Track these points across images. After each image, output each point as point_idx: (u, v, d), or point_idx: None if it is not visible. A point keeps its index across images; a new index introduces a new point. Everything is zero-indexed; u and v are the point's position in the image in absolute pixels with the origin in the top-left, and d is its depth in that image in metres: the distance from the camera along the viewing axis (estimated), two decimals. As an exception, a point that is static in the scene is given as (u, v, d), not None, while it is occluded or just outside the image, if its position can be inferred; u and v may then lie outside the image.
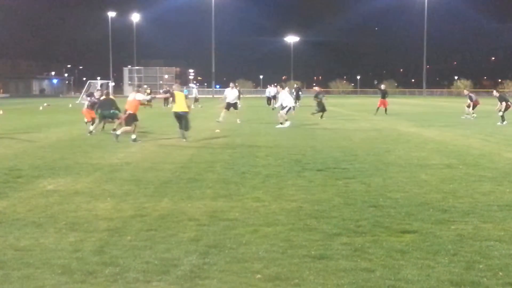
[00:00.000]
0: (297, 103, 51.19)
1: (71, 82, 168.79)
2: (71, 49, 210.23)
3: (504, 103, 27.91)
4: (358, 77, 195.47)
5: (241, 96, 41.47)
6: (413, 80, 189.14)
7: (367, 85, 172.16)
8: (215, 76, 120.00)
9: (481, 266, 5.73)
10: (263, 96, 68.04)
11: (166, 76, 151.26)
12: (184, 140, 18.85)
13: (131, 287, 5.23)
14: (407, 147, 17.02)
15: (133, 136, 18.58)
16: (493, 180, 10.92)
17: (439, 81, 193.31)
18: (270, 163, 13.50)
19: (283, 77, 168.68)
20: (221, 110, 29.87)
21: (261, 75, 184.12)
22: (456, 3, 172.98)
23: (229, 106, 29.76)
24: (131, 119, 19.38)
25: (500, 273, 5.52)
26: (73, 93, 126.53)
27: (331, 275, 5.49)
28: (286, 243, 6.60)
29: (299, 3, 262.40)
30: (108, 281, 5.34)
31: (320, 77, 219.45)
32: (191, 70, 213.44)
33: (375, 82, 37.49)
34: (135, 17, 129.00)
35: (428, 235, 6.91)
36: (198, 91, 59.84)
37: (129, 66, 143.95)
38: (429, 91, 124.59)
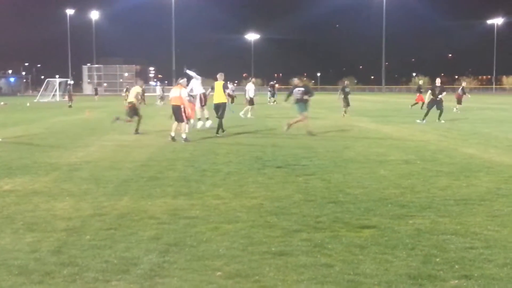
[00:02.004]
0: (273, 100, 51.29)
1: (29, 81, 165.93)
2: (29, 47, 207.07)
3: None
4: (318, 74, 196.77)
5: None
6: (372, 77, 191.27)
7: (327, 82, 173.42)
8: (176, 74, 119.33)
9: (437, 260, 5.83)
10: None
11: (126, 74, 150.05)
12: (217, 134, 19.85)
13: (89, 287, 5.18)
14: (366, 143, 17.20)
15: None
16: (450, 175, 11.11)
17: (398, 78, 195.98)
18: (230, 160, 13.50)
19: (244, 75, 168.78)
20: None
21: (222, 72, 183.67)
22: (414, 2, 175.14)
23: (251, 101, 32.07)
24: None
25: (456, 266, 5.62)
26: (31, 91, 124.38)
27: (291, 271, 5.52)
28: (247, 240, 6.61)
29: (260, 1, 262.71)
30: (66, 282, 5.27)
31: (280, 74, 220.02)
32: (151, 68, 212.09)
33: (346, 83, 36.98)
34: (94, 15, 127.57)
35: (387, 230, 7.00)
36: (165, 89, 59.41)
37: (88, 64, 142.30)
38: (388, 88, 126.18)
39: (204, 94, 23.49)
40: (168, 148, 16.10)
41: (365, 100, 63.87)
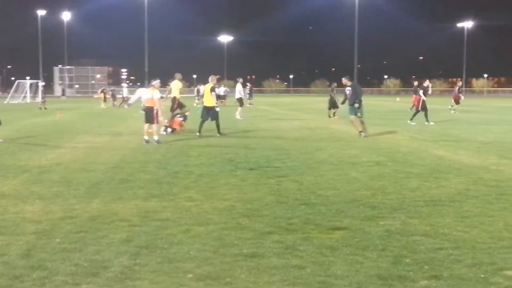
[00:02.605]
0: (249, 102, 51.23)
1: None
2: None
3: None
4: (291, 76, 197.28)
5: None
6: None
7: (300, 84, 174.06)
8: (148, 75, 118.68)
9: (407, 260, 5.88)
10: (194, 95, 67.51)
11: (98, 76, 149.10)
12: (218, 135, 20.25)
13: (59, 291, 5.13)
14: (338, 145, 17.29)
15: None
16: (420, 176, 11.22)
17: (370, 80, 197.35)
18: (202, 162, 13.47)
19: (217, 76, 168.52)
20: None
21: (195, 74, 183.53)
22: (386, 4, 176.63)
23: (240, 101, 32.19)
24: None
25: (426, 267, 5.68)
26: (0, 93, 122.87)
27: (262, 273, 5.53)
28: (218, 242, 6.60)
29: (233, 3, 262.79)
30: (35, 285, 5.21)
31: (253, 76, 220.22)
32: (123, 70, 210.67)
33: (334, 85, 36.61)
34: (66, 16, 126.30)
35: (358, 231, 7.05)
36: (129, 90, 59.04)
37: (60, 66, 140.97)
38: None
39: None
40: (140, 150, 16.01)
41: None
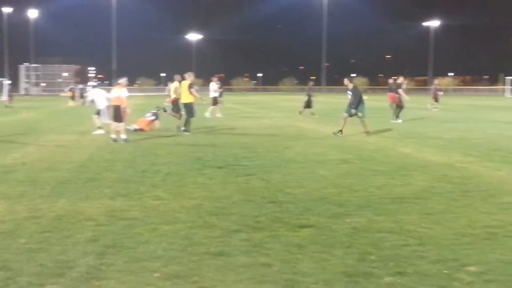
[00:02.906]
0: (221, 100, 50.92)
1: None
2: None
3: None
4: (260, 75, 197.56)
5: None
6: (313, 78, 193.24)
7: (268, 82, 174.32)
8: (116, 74, 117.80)
9: (373, 257, 5.95)
10: (164, 94, 67.16)
11: (65, 74, 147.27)
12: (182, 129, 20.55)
13: (24, 291, 5.07)
14: (306, 143, 17.37)
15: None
16: (386, 174, 11.34)
17: (338, 78, 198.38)
18: (170, 161, 13.43)
19: (185, 75, 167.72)
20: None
21: (163, 73, 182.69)
22: (354, 3, 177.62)
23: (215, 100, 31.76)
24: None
25: (391, 263, 5.75)
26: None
27: (230, 271, 5.54)
28: (186, 240, 6.59)
29: (201, 1, 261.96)
30: (-1, 286, 5.15)
31: (222, 74, 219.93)
32: (91, 68, 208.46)
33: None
34: (33, 14, 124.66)
35: (325, 229, 7.10)
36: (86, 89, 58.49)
37: (26, 64, 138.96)
38: (328, 88, 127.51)
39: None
40: (107, 149, 15.89)
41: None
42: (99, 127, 20.82)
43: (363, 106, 20.18)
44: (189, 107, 20.85)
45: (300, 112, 31.55)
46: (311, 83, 34.12)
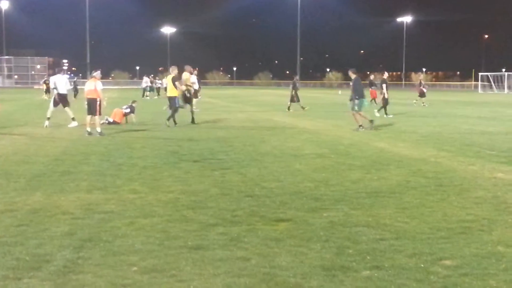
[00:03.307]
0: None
1: None
2: None
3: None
4: (234, 69, 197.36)
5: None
6: (287, 72, 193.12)
7: (243, 76, 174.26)
8: (90, 66, 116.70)
9: (350, 251, 5.99)
10: (139, 87, 66.84)
11: (38, 67, 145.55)
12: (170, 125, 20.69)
13: None
14: (282, 137, 17.42)
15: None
16: (362, 168, 11.42)
17: (313, 73, 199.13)
18: (146, 154, 13.37)
19: (160, 68, 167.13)
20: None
21: (138, 66, 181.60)
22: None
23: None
24: None
25: (368, 257, 5.80)
26: None
27: (207, 265, 5.54)
28: (163, 234, 6.58)
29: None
30: (-25, 280, 5.10)
31: (197, 68, 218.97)
32: (65, 61, 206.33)
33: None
34: (4, 4, 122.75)
35: (302, 223, 7.13)
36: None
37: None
38: (303, 83, 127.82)
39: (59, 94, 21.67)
40: (82, 142, 15.77)
41: (281, 95, 64.48)
42: (73, 118, 20.65)
43: (362, 100, 20.06)
44: (172, 100, 21.16)
45: (289, 108, 31.56)
46: (297, 77, 34.28)
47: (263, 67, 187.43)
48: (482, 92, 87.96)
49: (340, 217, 7.46)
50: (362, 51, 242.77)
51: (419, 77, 40.49)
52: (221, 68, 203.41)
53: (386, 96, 27.27)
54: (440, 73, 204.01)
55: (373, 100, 34.06)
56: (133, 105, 23.14)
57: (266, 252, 5.96)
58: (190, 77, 23.67)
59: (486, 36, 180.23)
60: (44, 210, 7.71)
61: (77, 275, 5.26)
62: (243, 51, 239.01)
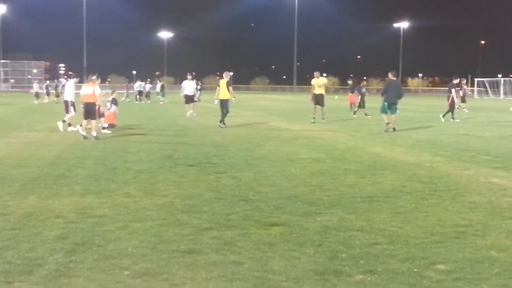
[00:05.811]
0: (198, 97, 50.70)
1: None
2: None
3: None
4: (231, 73, 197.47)
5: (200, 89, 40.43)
6: (284, 77, 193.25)
7: (240, 81, 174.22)
8: (86, 71, 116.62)
9: (344, 255, 5.98)
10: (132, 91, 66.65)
11: (35, 71, 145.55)
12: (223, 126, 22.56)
13: (-9, 289, 5.00)
14: (277, 142, 17.41)
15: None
16: (357, 173, 11.41)
17: (309, 78, 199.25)
18: (141, 158, 13.35)
19: (157, 73, 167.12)
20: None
21: (134, 70, 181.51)
22: (326, 4, 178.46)
23: (187, 99, 32.36)
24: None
25: (361, 261, 5.78)
26: None
27: (200, 269, 5.52)
28: (156, 238, 6.56)
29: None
30: (-34, 284, 5.07)
31: (193, 73, 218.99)
32: (61, 65, 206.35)
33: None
34: (1, 9, 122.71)
35: (296, 227, 7.11)
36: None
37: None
38: (300, 88, 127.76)
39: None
40: (78, 146, 15.74)
41: (276, 100, 64.65)
42: (63, 121, 20.54)
43: (385, 104, 21.65)
44: (225, 103, 23.11)
45: (354, 113, 31.73)
46: (364, 83, 35.13)
47: (260, 72, 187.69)
48: (478, 97, 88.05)
49: (334, 221, 7.45)
50: (359, 57, 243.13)
51: (462, 81, 37.22)
52: (218, 73, 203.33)
53: (455, 100, 28.37)
54: (436, 78, 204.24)
55: (352, 105, 34.12)
56: (113, 96, 22.74)
57: (259, 256, 5.94)
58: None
59: (483, 42, 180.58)
60: (37, 214, 7.68)
61: (68, 278, 5.23)
62: (240, 56, 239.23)
